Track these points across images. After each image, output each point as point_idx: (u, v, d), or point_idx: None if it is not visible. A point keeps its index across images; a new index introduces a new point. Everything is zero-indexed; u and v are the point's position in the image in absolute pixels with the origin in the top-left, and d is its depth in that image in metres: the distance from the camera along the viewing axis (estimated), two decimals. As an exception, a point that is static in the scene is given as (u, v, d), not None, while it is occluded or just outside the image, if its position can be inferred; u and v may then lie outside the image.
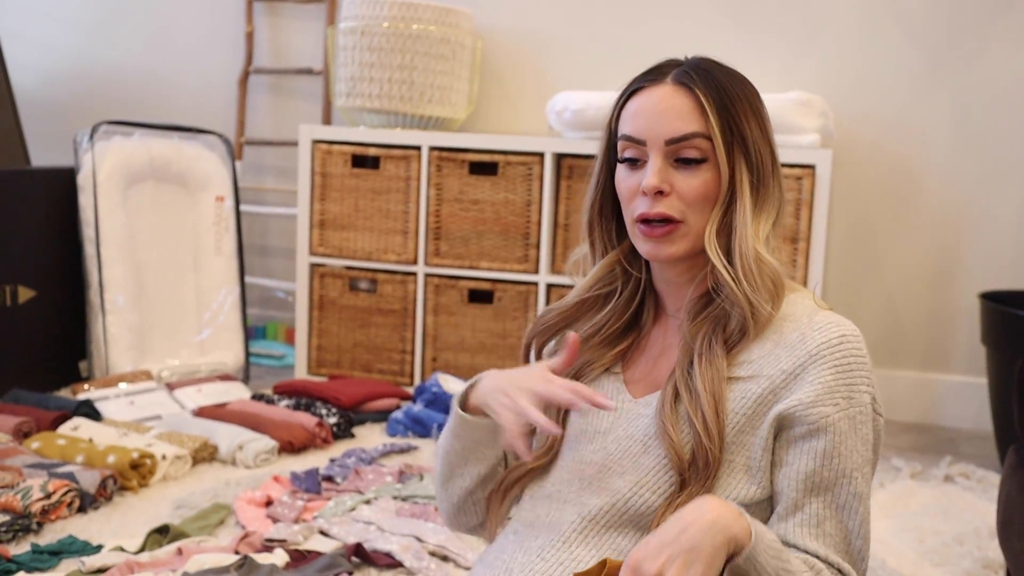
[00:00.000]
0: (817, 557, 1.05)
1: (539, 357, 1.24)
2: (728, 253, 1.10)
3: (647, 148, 1.11)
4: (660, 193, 1.10)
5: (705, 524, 0.93)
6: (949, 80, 3.18)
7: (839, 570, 1.05)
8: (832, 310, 1.14)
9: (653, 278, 1.19)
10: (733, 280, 1.08)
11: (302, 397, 2.94)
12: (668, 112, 1.10)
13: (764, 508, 1.10)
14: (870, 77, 3.23)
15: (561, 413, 1.19)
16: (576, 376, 1.18)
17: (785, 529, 1.07)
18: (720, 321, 1.11)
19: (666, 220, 1.11)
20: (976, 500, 2.52)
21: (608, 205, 1.19)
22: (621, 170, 1.15)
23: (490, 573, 1.12)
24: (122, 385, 2.97)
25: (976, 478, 2.67)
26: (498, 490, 1.20)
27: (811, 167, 2.84)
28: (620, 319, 1.20)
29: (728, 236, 1.11)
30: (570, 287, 1.25)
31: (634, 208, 1.13)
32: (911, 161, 3.23)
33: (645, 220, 1.12)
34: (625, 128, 1.13)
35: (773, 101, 2.77)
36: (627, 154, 1.13)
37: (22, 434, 2.55)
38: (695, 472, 1.06)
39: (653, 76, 1.14)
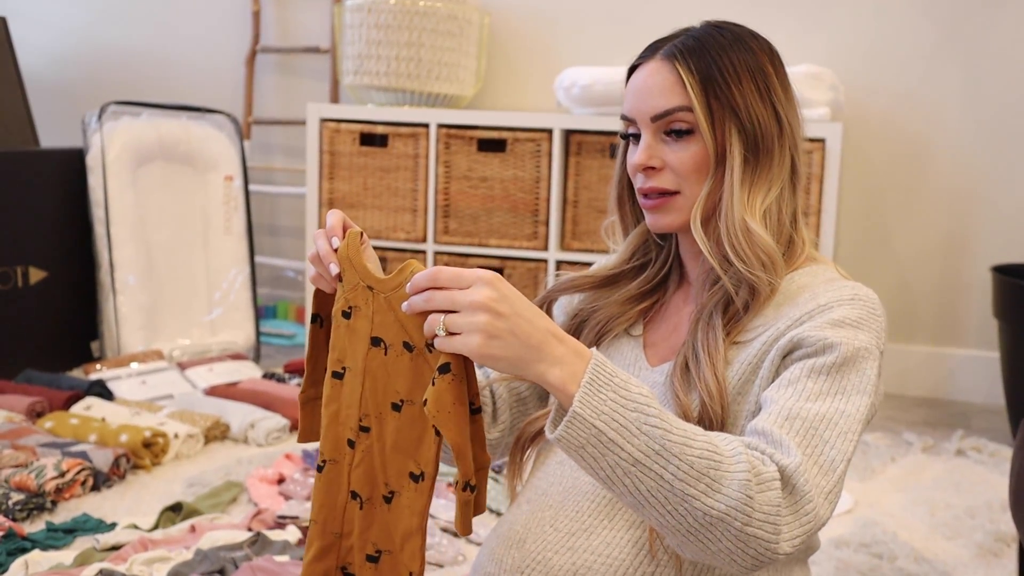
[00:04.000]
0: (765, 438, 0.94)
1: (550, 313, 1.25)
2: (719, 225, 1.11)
3: (638, 125, 1.14)
4: (652, 169, 1.12)
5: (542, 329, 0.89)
6: (961, 53, 3.14)
7: (782, 468, 0.91)
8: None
9: (679, 249, 1.21)
10: (713, 256, 1.09)
11: (313, 375, 2.94)
12: (652, 89, 1.12)
13: None
14: (881, 50, 3.20)
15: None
16: (599, 334, 1.21)
17: (754, 423, 0.98)
18: (727, 293, 1.11)
19: (660, 192, 1.13)
20: (988, 473, 2.51)
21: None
22: (629, 147, 1.17)
23: (503, 545, 1.12)
24: (134, 365, 2.98)
25: (988, 451, 2.66)
26: (516, 447, 1.20)
27: (821, 140, 2.82)
28: (648, 284, 1.22)
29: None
30: (578, 264, 1.26)
31: (635, 183, 1.15)
32: (922, 134, 3.20)
33: (643, 194, 1.14)
34: (623, 108, 1.17)
35: (783, 74, 2.80)
36: (629, 131, 1.16)
37: (35, 414, 2.56)
38: None
39: (647, 53, 1.15)
